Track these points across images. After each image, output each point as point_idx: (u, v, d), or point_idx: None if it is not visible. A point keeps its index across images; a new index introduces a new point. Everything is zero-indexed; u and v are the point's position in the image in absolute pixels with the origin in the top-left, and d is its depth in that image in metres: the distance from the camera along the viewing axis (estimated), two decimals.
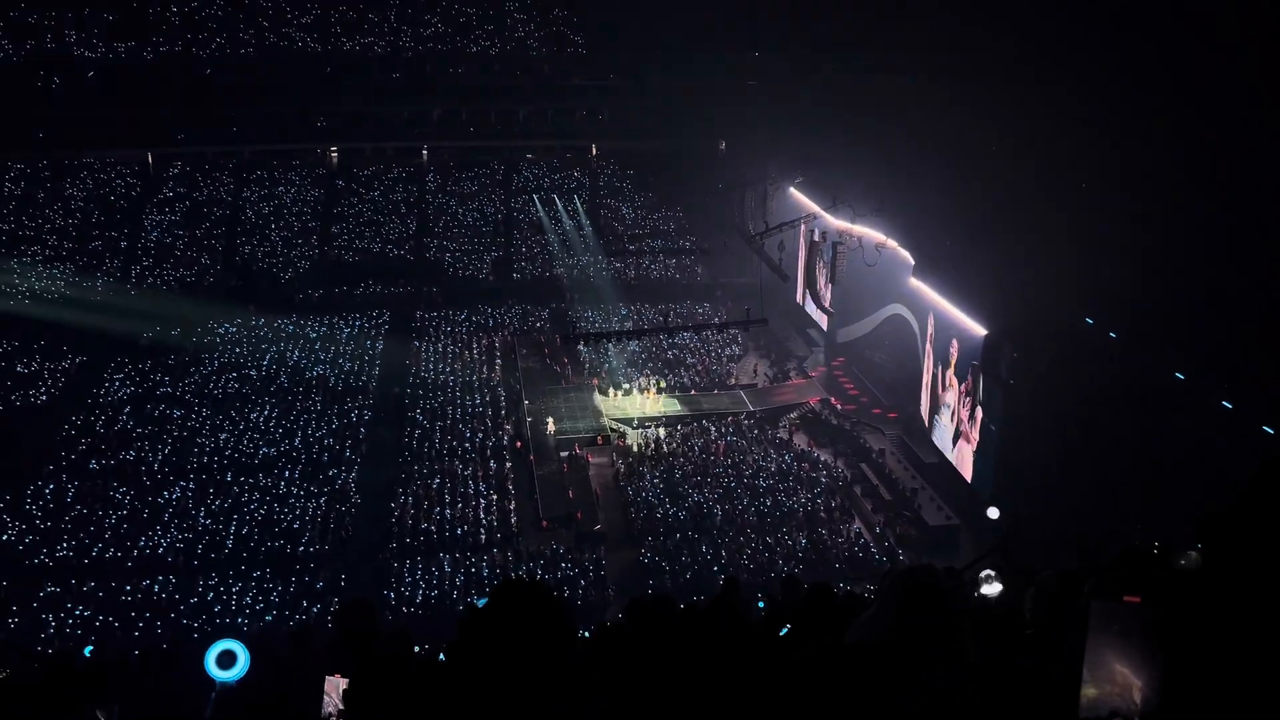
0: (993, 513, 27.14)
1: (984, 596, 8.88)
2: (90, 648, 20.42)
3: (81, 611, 27.16)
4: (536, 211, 58.12)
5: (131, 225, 53.28)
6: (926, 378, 36.81)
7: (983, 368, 31.64)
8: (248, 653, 4.54)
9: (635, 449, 38.35)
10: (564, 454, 37.46)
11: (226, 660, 4.44)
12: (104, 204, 53.98)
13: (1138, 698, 2.88)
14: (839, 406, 41.20)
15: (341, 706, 4.54)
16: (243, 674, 4.51)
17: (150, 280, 50.28)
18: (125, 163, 56.09)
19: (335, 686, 4.56)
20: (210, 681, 4.57)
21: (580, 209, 58.41)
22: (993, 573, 9.21)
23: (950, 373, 33.87)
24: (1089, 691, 2.93)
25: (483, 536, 32.10)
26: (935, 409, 35.54)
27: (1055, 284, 27.25)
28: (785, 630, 7.01)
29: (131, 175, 55.92)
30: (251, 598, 28.26)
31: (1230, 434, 22.83)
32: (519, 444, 38.28)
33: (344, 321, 48.57)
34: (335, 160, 59.37)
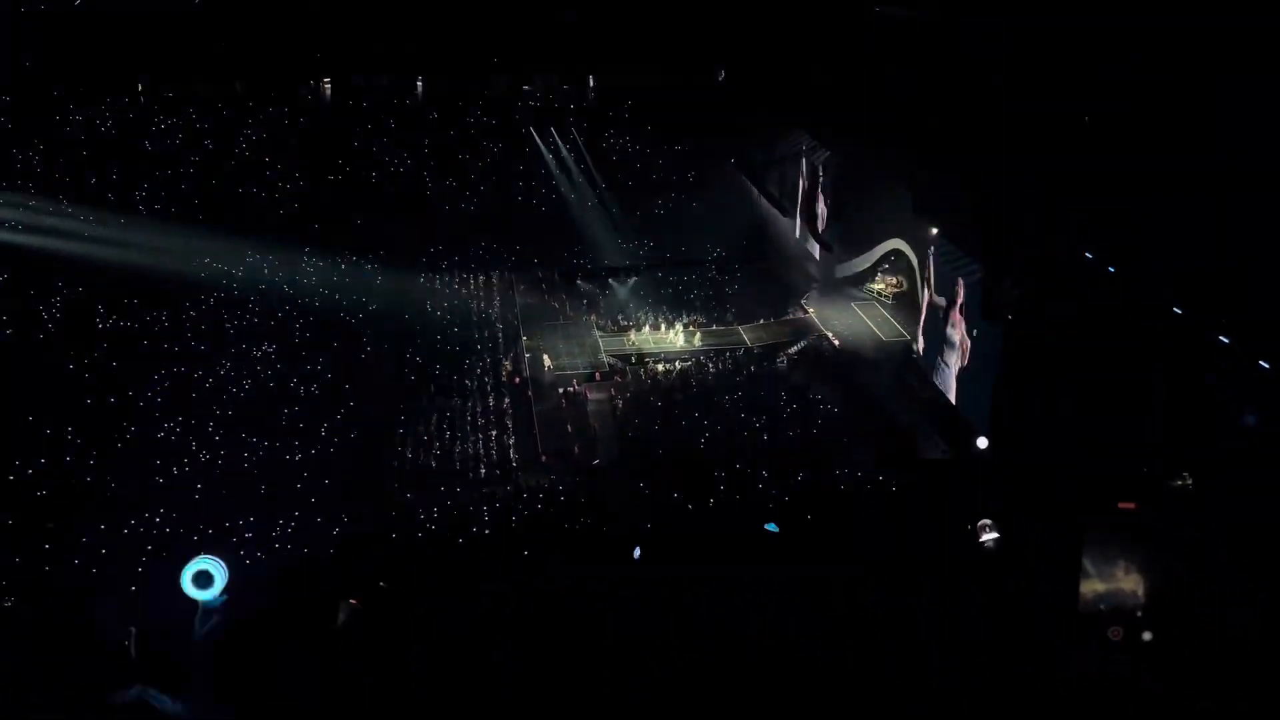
0: (981, 442, 27.29)
1: (984, 544, 9.06)
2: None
3: (85, 545, 27.41)
4: (535, 145, 57.48)
5: (123, 158, 52.70)
6: (923, 313, 36.80)
7: (979, 301, 31.60)
8: (224, 570, 4.57)
9: (634, 384, 38.46)
10: (562, 390, 37.60)
11: (203, 580, 4.48)
12: (97, 138, 53.35)
13: (1139, 591, 3.01)
14: (836, 342, 41.16)
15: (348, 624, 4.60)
16: (220, 593, 4.54)
17: (143, 214, 49.87)
18: (115, 95, 55.26)
19: (348, 608, 4.62)
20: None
21: (579, 142, 57.76)
22: (989, 521, 9.36)
23: (956, 310, 33.76)
24: (1088, 588, 3.05)
25: (482, 471, 32.36)
26: (940, 346, 35.42)
27: (1054, 219, 27.11)
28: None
29: (124, 109, 55.15)
30: (254, 534, 28.52)
31: (1226, 369, 22.87)
32: (517, 379, 38.38)
33: (340, 257, 48.29)
34: (329, 93, 58.51)
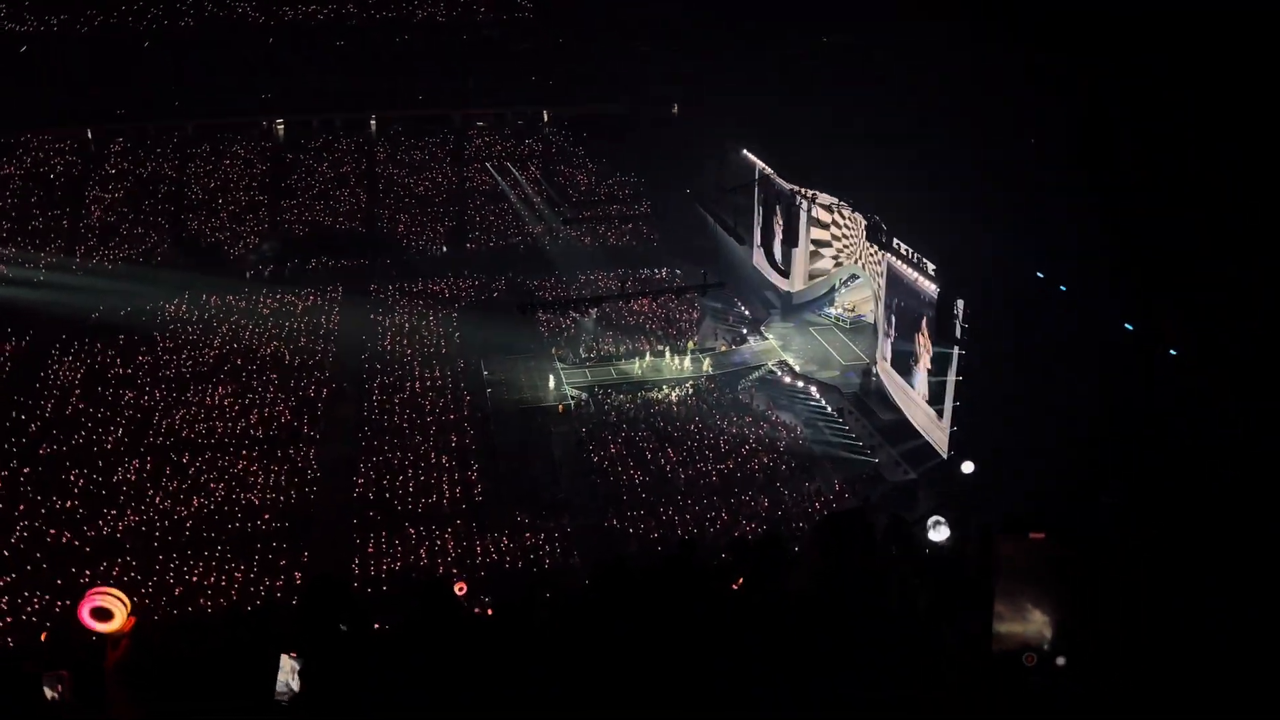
0: (967, 467, 27.23)
1: (933, 542, 9.09)
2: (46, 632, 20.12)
3: (40, 597, 26.76)
4: (490, 180, 57.59)
5: (73, 204, 52.07)
6: (882, 336, 37.15)
7: (935, 324, 31.95)
8: (126, 606, 4.46)
9: (596, 415, 38.33)
10: (527, 423, 37.40)
11: (101, 615, 4.36)
12: (44, 183, 52.69)
13: (1047, 632, 2.96)
14: (796, 368, 41.40)
15: (295, 684, 4.51)
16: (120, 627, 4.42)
17: (95, 259, 49.22)
18: (64, 140, 54.72)
19: (290, 663, 4.52)
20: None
21: (536, 176, 57.98)
22: (941, 519, 9.41)
23: (920, 334, 34.02)
24: (1001, 627, 2.99)
25: (446, 508, 32.04)
26: (905, 367, 35.64)
27: (1007, 240, 27.56)
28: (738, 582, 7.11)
29: (71, 153, 54.59)
30: (214, 578, 28.01)
31: (1175, 381, 23.33)
32: (480, 415, 38.12)
33: (297, 296, 47.88)
34: (281, 133, 58.35)
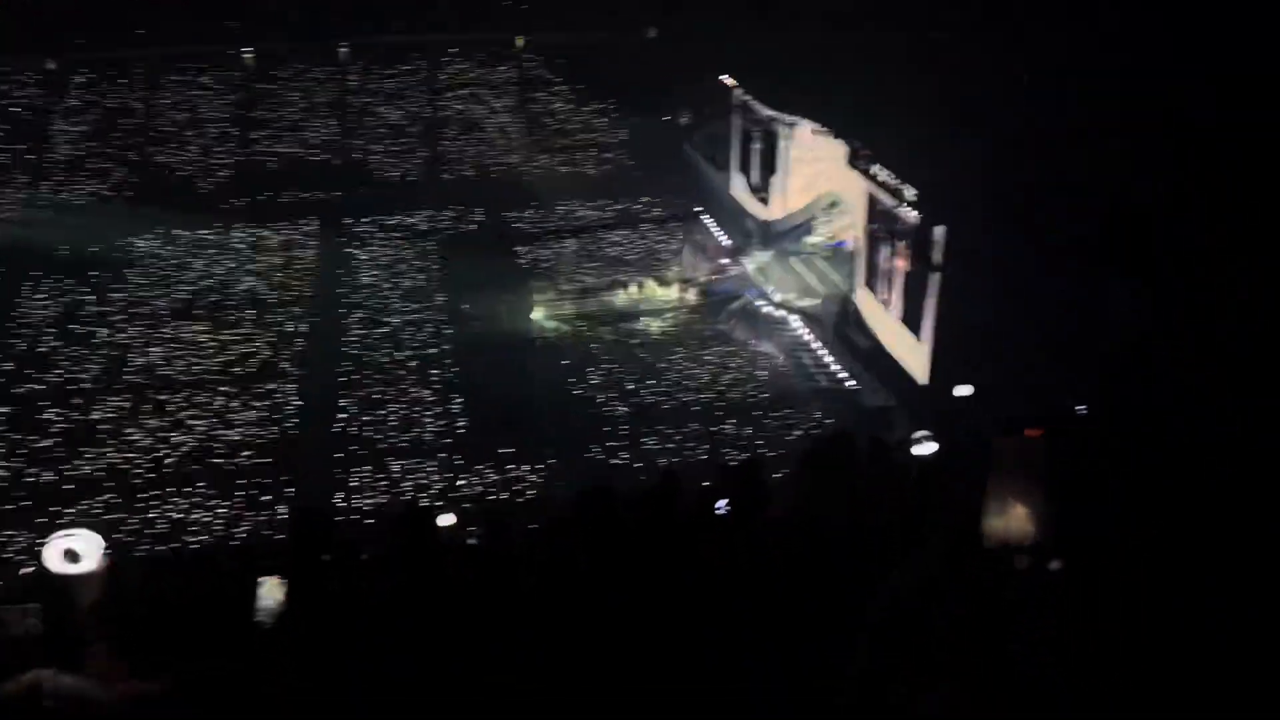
0: (961, 390, 27.03)
1: (919, 457, 9.14)
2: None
3: (19, 536, 26.74)
4: (464, 109, 56.53)
5: (37, 137, 50.85)
6: (861, 263, 37.11)
7: (914, 250, 31.95)
8: (89, 544, 4.36)
9: (578, 347, 38.30)
10: (508, 356, 37.30)
11: (72, 558, 4.28)
12: (4, 115, 51.37)
13: (1033, 529, 2.92)
14: (776, 297, 41.30)
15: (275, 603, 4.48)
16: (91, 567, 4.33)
17: (63, 194, 48.24)
18: (24, 70, 53.18)
19: (272, 586, 4.49)
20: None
21: (512, 105, 56.97)
22: (927, 433, 9.46)
23: (897, 257, 34.00)
24: (988, 524, 2.95)
25: (428, 443, 32.11)
26: (883, 294, 35.67)
27: (987, 165, 27.44)
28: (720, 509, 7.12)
29: (33, 84, 53.12)
30: (196, 515, 28.07)
31: (1151, 305, 23.45)
32: (460, 348, 37.97)
33: (271, 230, 47.12)
34: (250, 62, 56.89)
